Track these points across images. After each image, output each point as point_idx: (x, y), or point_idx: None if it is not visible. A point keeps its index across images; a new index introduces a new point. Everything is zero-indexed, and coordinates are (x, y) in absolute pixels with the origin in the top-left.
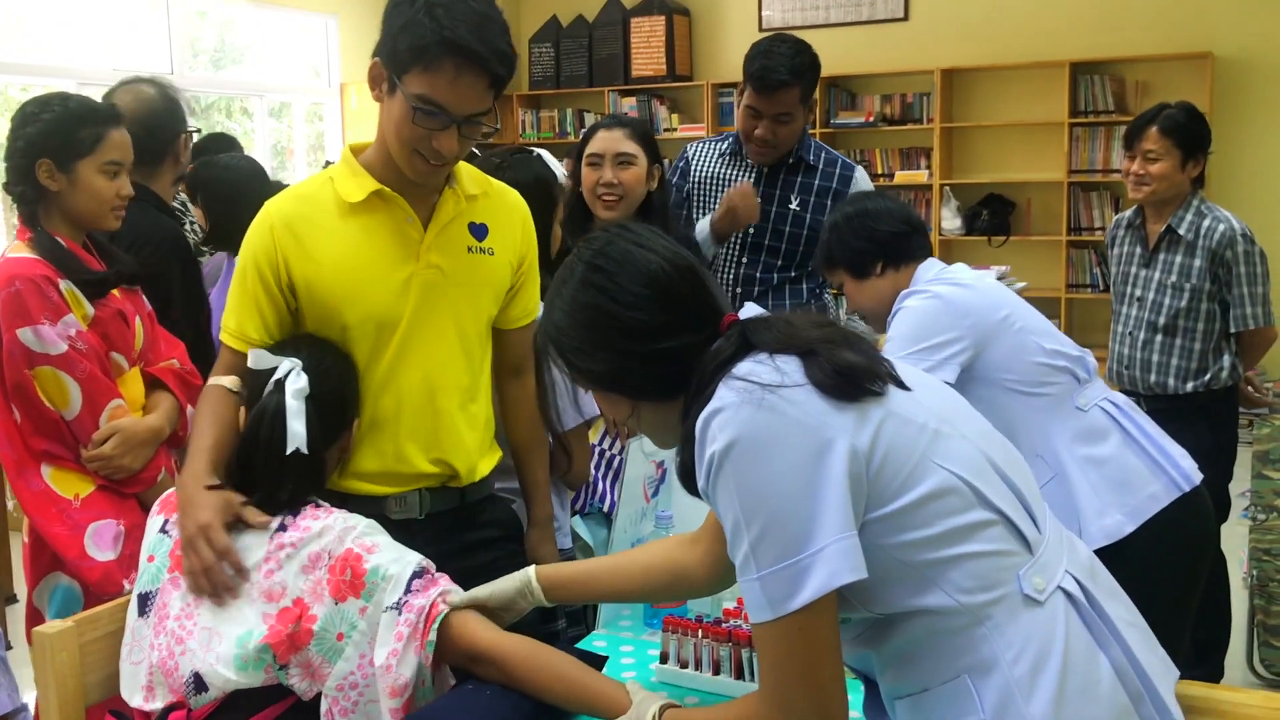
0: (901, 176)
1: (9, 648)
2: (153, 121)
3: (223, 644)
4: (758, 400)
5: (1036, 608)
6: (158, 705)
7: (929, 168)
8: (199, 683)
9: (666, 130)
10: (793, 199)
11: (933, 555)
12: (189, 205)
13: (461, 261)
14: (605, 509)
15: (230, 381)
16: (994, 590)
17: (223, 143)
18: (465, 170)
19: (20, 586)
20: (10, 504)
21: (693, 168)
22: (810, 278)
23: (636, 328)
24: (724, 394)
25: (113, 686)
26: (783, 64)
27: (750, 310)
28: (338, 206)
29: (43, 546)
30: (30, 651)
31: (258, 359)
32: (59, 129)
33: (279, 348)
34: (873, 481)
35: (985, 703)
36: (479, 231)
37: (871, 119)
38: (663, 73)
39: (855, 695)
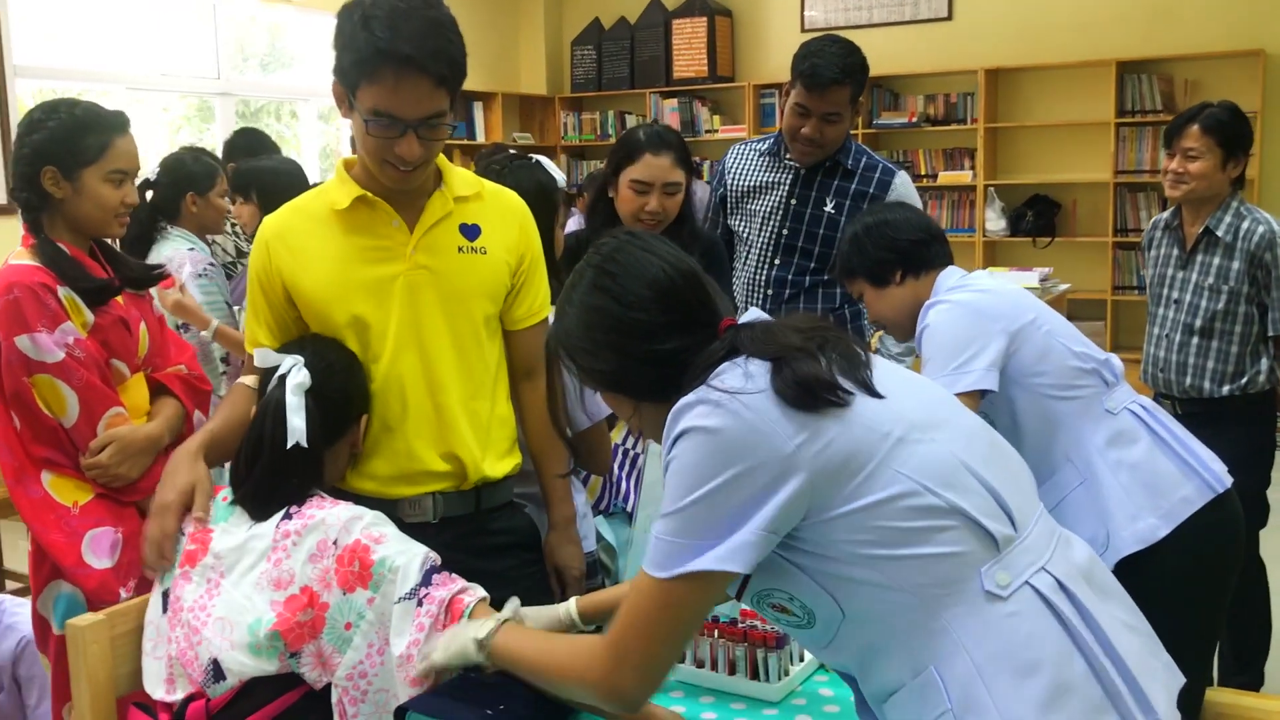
0: (945, 177)
1: None
2: None
3: (235, 631)
4: (716, 401)
5: (999, 602)
6: (178, 696)
7: (973, 168)
8: (217, 670)
9: (708, 131)
10: (828, 201)
11: (887, 552)
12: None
13: (452, 262)
14: (629, 508)
15: (252, 380)
16: (953, 586)
17: (252, 137)
18: (456, 173)
19: None
20: None
21: (729, 175)
22: None
23: (640, 329)
24: (693, 394)
25: (141, 679)
26: (834, 63)
27: (751, 315)
28: (327, 215)
29: (44, 554)
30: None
31: (263, 358)
32: (64, 136)
33: (286, 346)
34: (819, 490)
35: (951, 694)
36: (470, 232)
37: (915, 119)
38: (704, 74)
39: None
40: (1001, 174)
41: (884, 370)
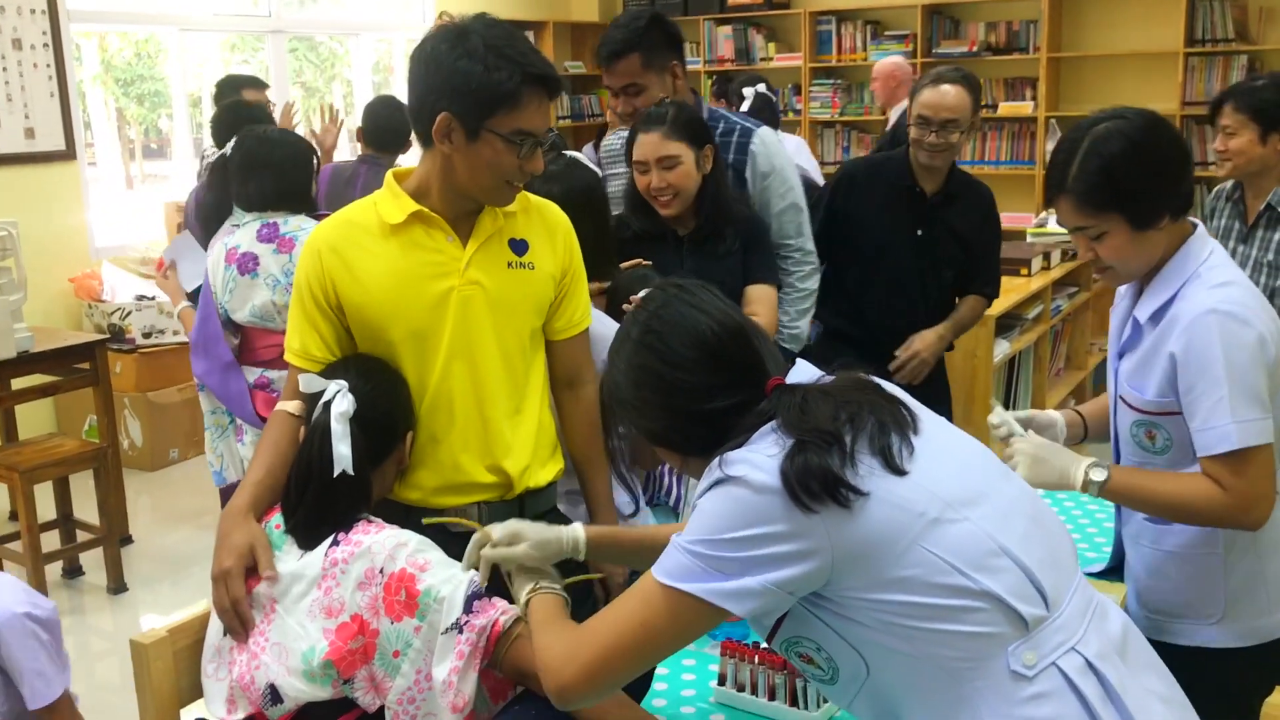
0: (1005, 108)
1: (124, 589)
2: None
3: (290, 658)
4: (754, 462)
5: (1024, 682)
6: (239, 717)
7: (1034, 99)
8: (274, 694)
9: (763, 60)
10: None
11: (914, 625)
12: None
13: (502, 277)
14: (672, 504)
15: (293, 406)
16: (979, 661)
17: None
18: None
19: (136, 528)
20: (124, 442)
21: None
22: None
23: (686, 389)
24: (734, 453)
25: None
26: (616, 35)
27: (799, 373)
28: (380, 229)
29: None
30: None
31: (308, 384)
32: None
33: (329, 370)
34: (842, 567)
35: None
36: (519, 247)
37: (975, 48)
38: (760, 0)
39: None
40: (1064, 105)
41: (928, 436)
